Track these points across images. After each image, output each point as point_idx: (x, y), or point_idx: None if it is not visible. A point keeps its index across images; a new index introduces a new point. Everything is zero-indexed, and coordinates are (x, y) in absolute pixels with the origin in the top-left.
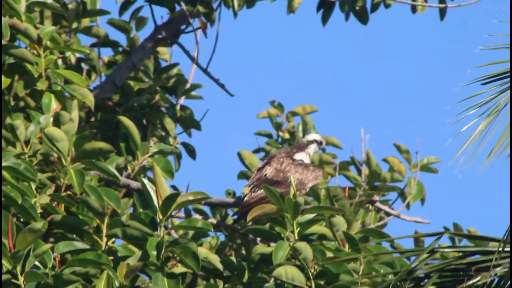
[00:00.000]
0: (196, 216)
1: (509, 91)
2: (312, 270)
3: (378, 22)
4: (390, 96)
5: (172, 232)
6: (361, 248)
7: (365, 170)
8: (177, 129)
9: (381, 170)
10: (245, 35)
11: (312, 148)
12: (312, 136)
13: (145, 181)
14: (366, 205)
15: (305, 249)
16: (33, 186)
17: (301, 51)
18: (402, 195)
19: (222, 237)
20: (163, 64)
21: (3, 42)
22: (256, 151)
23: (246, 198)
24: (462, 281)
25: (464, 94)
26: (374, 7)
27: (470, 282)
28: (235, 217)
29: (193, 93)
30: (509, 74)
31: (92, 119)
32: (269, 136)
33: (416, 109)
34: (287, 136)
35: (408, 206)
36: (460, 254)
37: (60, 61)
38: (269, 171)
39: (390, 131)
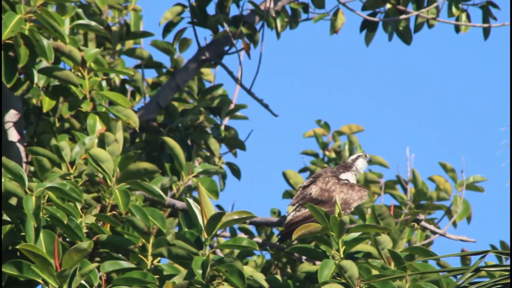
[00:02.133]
0: (242, 235)
1: None
2: None
3: (422, 42)
4: (436, 116)
5: (218, 251)
6: (407, 266)
7: (411, 189)
8: (222, 150)
9: (427, 188)
10: (288, 55)
11: (359, 163)
12: (355, 154)
13: (190, 200)
14: (411, 224)
15: (351, 267)
16: (79, 206)
17: (345, 71)
18: (448, 213)
19: (267, 256)
20: (207, 85)
21: (48, 64)
22: (302, 170)
23: (290, 217)
24: None
25: None
26: (418, 27)
27: None
28: (280, 236)
29: (238, 113)
30: None
31: (137, 140)
32: (315, 155)
33: (461, 129)
34: (333, 155)
35: (454, 224)
36: (507, 273)
37: (104, 83)
38: (314, 190)
39: (436, 151)
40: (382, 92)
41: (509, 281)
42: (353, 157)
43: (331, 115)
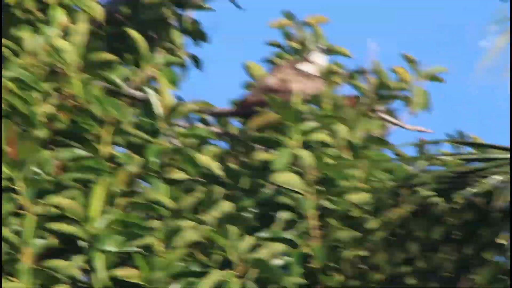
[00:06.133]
0: (200, 125)
1: None
2: (312, 176)
3: None
4: (401, 7)
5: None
6: (362, 155)
7: (371, 79)
8: (185, 42)
9: (388, 79)
10: None
11: (315, 56)
12: (310, 50)
13: (149, 90)
14: (368, 113)
15: (306, 156)
16: (37, 96)
17: None
18: (407, 103)
19: (224, 146)
20: None
21: None
22: (265, 62)
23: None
24: (462, 187)
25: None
26: None
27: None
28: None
29: (202, 4)
30: None
31: (99, 31)
32: (279, 46)
33: (426, 21)
34: (298, 46)
35: (414, 114)
36: (463, 161)
37: None
38: (271, 80)
39: (400, 43)
40: None
41: (464, 169)
42: (308, 53)
43: (297, 7)
